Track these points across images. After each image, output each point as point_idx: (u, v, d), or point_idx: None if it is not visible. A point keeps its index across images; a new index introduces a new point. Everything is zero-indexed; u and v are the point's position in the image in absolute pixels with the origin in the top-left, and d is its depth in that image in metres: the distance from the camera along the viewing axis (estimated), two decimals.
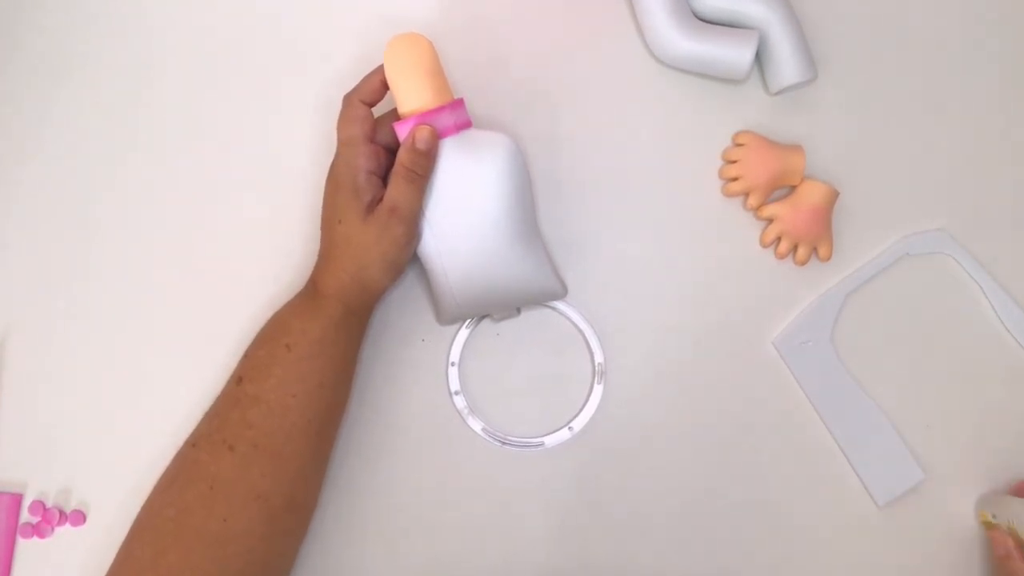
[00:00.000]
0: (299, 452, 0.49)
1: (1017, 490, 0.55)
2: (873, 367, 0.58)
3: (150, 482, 0.49)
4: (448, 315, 0.54)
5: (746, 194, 0.58)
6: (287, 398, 0.48)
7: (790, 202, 0.57)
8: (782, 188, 0.59)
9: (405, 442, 0.56)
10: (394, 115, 0.52)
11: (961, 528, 0.56)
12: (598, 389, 0.56)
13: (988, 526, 0.55)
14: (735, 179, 0.58)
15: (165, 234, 0.58)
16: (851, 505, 0.56)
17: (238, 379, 0.49)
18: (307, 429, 0.49)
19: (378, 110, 0.52)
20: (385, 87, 0.51)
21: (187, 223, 0.58)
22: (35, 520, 0.54)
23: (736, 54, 0.56)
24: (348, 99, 0.51)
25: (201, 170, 0.58)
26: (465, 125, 0.51)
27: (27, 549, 0.54)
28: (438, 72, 0.51)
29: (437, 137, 0.50)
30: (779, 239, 0.58)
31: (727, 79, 0.59)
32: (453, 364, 0.56)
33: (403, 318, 0.57)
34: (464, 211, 0.51)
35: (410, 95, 0.50)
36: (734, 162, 0.58)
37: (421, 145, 0.49)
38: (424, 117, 0.50)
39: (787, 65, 0.57)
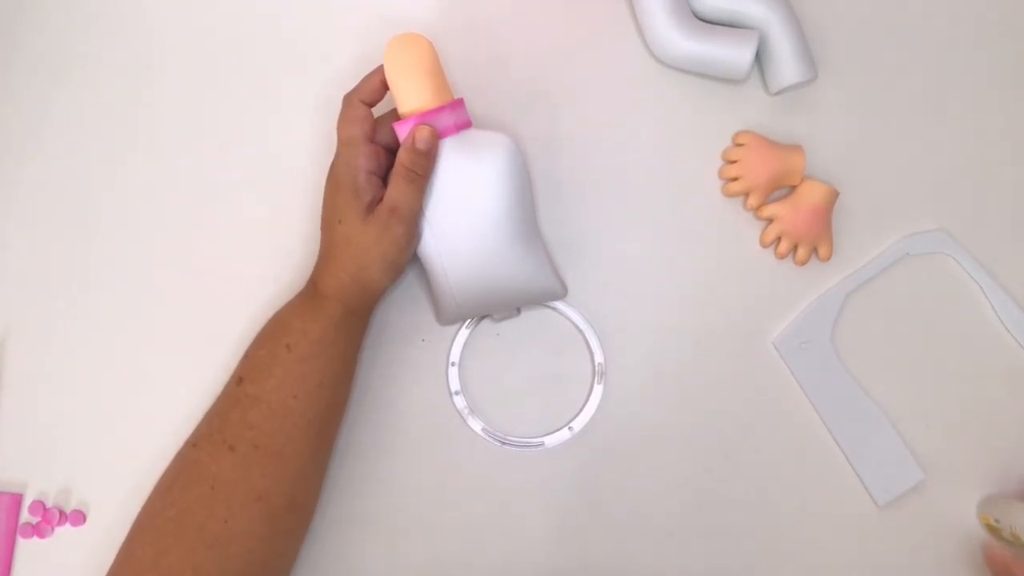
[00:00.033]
0: (299, 452, 0.49)
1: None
2: (873, 367, 0.58)
3: (150, 482, 0.49)
4: (448, 315, 0.54)
5: (746, 194, 0.58)
6: (287, 399, 0.48)
7: (790, 202, 0.57)
8: (782, 188, 0.59)
9: (405, 442, 0.56)
10: (394, 115, 0.52)
11: (961, 528, 0.56)
12: (598, 389, 0.56)
13: (990, 530, 0.55)
14: (735, 179, 0.58)
15: (165, 234, 0.58)
16: (851, 505, 0.56)
17: (238, 379, 0.49)
18: (307, 429, 0.49)
19: (378, 110, 0.52)
20: (385, 87, 0.51)
21: (187, 223, 0.58)
22: (35, 520, 0.54)
23: (736, 54, 0.56)
24: (348, 99, 0.51)
25: (201, 170, 0.58)
26: (465, 125, 0.51)
27: (27, 549, 0.54)
28: (438, 72, 0.51)
29: (437, 137, 0.50)
30: (779, 239, 0.58)
31: (727, 79, 0.59)
32: (453, 364, 0.56)
33: (403, 318, 0.57)
34: (464, 211, 0.51)
35: (410, 95, 0.50)
36: (734, 162, 0.58)
37: (421, 145, 0.49)
38: (424, 117, 0.50)
39: (787, 65, 0.57)
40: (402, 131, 0.50)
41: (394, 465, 0.55)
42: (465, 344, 0.57)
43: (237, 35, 0.60)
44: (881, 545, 0.56)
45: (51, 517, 0.54)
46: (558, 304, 0.57)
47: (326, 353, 0.49)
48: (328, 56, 0.59)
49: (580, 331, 0.57)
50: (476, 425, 0.56)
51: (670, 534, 0.56)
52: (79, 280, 0.57)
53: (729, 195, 0.59)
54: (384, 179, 0.51)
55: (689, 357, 0.57)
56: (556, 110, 0.59)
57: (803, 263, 0.58)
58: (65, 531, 0.54)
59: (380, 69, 0.51)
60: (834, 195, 0.57)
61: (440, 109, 0.50)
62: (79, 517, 0.54)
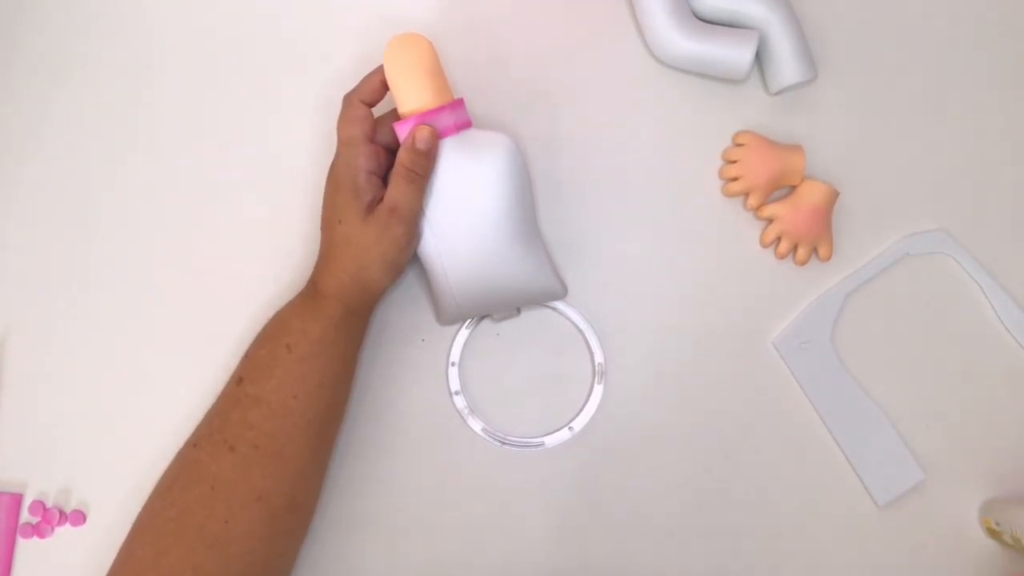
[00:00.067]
0: (299, 452, 0.49)
1: None
2: (873, 367, 0.58)
3: (150, 482, 0.49)
4: (448, 315, 0.54)
5: (746, 194, 0.58)
6: (288, 399, 0.48)
7: (790, 202, 0.57)
8: (782, 188, 0.59)
9: (405, 442, 0.56)
10: (394, 115, 0.52)
11: (961, 528, 0.56)
12: (598, 389, 0.56)
13: (991, 533, 0.55)
14: (735, 179, 0.58)
15: (165, 234, 0.58)
16: (851, 505, 0.56)
17: (239, 379, 0.49)
18: (307, 429, 0.49)
19: (378, 110, 0.52)
20: (385, 87, 0.51)
21: (187, 223, 0.58)
22: (35, 520, 0.54)
23: (736, 54, 0.56)
24: (348, 99, 0.51)
25: (201, 170, 0.58)
26: (465, 125, 0.51)
27: (27, 549, 0.54)
28: (438, 72, 0.51)
29: (437, 137, 0.50)
30: (779, 239, 0.58)
31: (727, 79, 0.59)
32: (453, 364, 0.56)
33: (403, 318, 0.57)
34: (464, 211, 0.51)
35: (410, 95, 0.50)
36: (734, 162, 0.58)
37: (421, 145, 0.49)
38: (424, 117, 0.50)
39: (787, 65, 0.57)
40: (402, 131, 0.50)
41: (394, 465, 0.55)
42: (465, 344, 0.57)
43: (237, 35, 0.60)
44: (881, 545, 0.56)
45: (51, 517, 0.54)
46: (558, 304, 0.57)
47: (326, 353, 0.49)
48: (328, 56, 0.59)
49: (580, 331, 0.57)
50: (476, 425, 0.56)
51: (670, 534, 0.56)
52: (79, 280, 0.57)
53: (729, 195, 0.59)
54: (384, 179, 0.51)
55: (689, 357, 0.57)
56: (556, 110, 0.59)
57: (803, 263, 0.58)
58: (65, 531, 0.54)
59: (380, 69, 0.51)
60: (834, 195, 0.57)
61: (440, 109, 0.50)
62: (79, 517, 0.54)
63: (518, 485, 0.56)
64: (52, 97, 0.59)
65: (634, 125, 0.60)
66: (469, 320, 0.56)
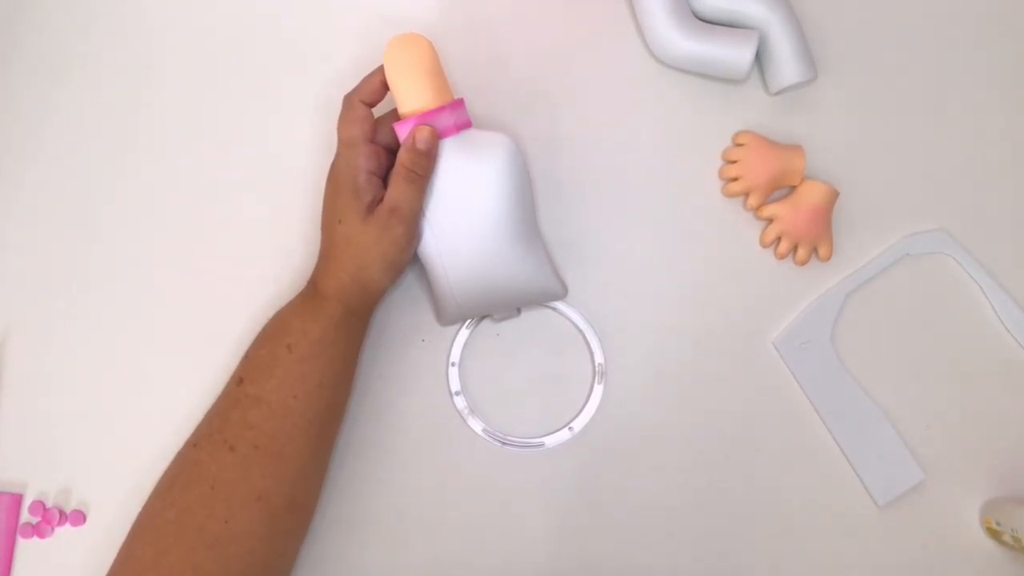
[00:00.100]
0: (299, 452, 0.49)
1: None
2: (873, 367, 0.58)
3: (150, 482, 0.49)
4: (448, 315, 0.54)
5: (746, 194, 0.58)
6: (288, 399, 0.48)
7: (790, 202, 0.57)
8: (782, 188, 0.59)
9: (405, 442, 0.56)
10: (394, 115, 0.52)
11: (961, 528, 0.56)
12: (598, 389, 0.56)
13: (992, 533, 0.55)
14: (735, 179, 0.58)
15: (165, 234, 0.58)
16: (851, 505, 0.56)
17: (239, 379, 0.49)
18: (308, 430, 0.49)
19: (378, 110, 0.52)
20: (385, 87, 0.51)
21: (187, 223, 0.58)
22: (35, 520, 0.54)
23: (736, 54, 0.56)
24: (348, 99, 0.51)
25: (201, 170, 0.58)
26: (465, 125, 0.51)
27: (27, 549, 0.54)
28: (438, 72, 0.51)
29: (437, 137, 0.50)
30: (779, 239, 0.58)
31: (727, 79, 0.59)
32: (453, 364, 0.56)
33: (403, 318, 0.57)
34: (464, 211, 0.51)
35: (410, 95, 0.50)
36: (734, 162, 0.58)
37: (421, 145, 0.49)
38: (424, 117, 0.50)
39: (787, 65, 0.57)
40: (402, 131, 0.50)
41: (394, 465, 0.55)
42: (465, 344, 0.57)
43: (237, 35, 0.60)
44: (881, 545, 0.56)
45: (51, 517, 0.54)
46: (558, 304, 0.57)
47: (326, 353, 0.49)
48: (328, 56, 0.59)
49: (580, 331, 0.57)
50: (476, 425, 0.56)
51: (670, 534, 0.56)
52: (79, 280, 0.57)
53: (729, 195, 0.59)
54: (384, 179, 0.51)
55: (689, 357, 0.57)
56: (556, 110, 0.59)
57: (803, 263, 0.58)
58: (65, 531, 0.54)
59: (380, 69, 0.51)
60: (834, 195, 0.57)
61: (440, 109, 0.50)
62: (79, 517, 0.54)
63: (518, 485, 0.56)
64: (52, 97, 0.59)
65: (634, 125, 0.60)
66: (469, 320, 0.56)
